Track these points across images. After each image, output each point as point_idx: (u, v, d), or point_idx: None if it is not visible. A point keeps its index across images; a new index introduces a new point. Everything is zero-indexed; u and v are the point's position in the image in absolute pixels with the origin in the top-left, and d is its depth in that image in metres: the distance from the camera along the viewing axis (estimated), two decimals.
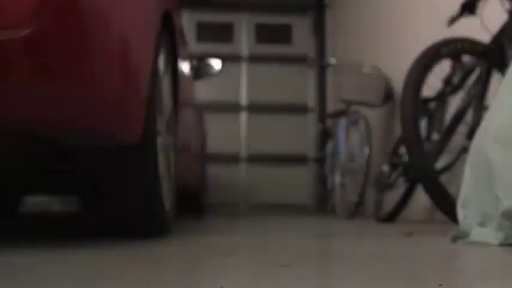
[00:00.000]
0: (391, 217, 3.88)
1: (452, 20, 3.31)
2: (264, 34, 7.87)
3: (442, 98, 3.53)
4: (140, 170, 2.11)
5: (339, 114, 5.22)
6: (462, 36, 3.27)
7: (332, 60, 5.29)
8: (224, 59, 7.99)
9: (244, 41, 8.00)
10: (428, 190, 3.11)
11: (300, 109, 6.79)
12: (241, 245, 2.31)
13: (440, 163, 3.42)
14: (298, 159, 6.53)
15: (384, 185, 4.07)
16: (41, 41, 1.67)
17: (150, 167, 2.13)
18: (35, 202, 5.12)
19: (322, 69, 6.08)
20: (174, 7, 2.74)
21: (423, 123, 3.46)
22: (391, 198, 3.97)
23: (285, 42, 7.62)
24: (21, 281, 1.28)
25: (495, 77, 3.30)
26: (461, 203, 2.32)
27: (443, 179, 3.28)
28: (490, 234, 2.14)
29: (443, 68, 3.44)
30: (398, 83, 4.69)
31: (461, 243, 2.21)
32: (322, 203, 6.33)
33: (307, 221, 4.32)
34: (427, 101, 3.53)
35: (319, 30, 6.75)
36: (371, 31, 5.44)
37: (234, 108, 7.92)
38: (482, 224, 2.20)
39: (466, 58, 3.42)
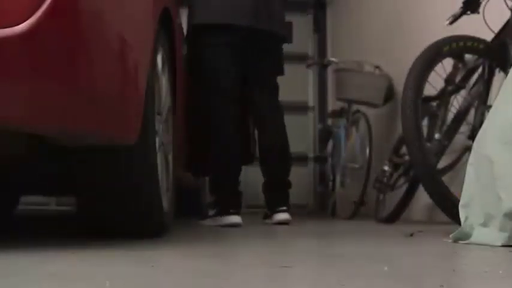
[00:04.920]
0: (392, 217, 3.86)
1: (454, 19, 3.28)
2: None
3: (444, 97, 3.51)
4: (138, 170, 2.09)
5: (339, 113, 5.20)
6: (464, 34, 3.25)
7: (333, 59, 5.26)
8: None
9: None
10: (429, 190, 3.08)
11: (300, 108, 6.77)
12: (242, 245, 2.30)
13: (442, 163, 3.40)
14: (298, 159, 6.51)
15: (384, 185, 4.05)
16: (39, 40, 1.65)
17: (148, 167, 2.11)
18: (32, 202, 5.11)
19: (322, 68, 6.05)
20: (173, 4, 2.72)
21: (425, 123, 3.44)
22: (392, 199, 3.96)
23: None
24: (19, 281, 1.26)
25: (498, 75, 3.27)
26: (463, 203, 2.30)
27: (445, 179, 3.26)
28: (492, 235, 2.11)
29: (445, 66, 3.42)
30: (400, 81, 4.68)
31: (463, 244, 2.19)
32: (322, 203, 6.32)
33: (307, 221, 4.31)
34: (428, 100, 3.50)
35: (320, 28, 6.73)
36: (372, 29, 5.43)
37: None
38: (484, 225, 2.18)
39: (469, 56, 3.39)
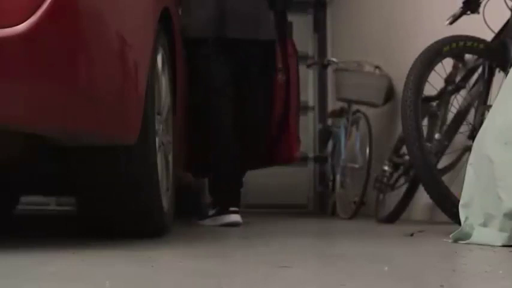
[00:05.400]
0: (392, 217, 3.85)
1: (454, 19, 3.28)
2: None
3: (444, 97, 3.51)
4: (138, 170, 2.09)
5: (339, 113, 5.20)
6: (464, 34, 3.24)
7: (333, 59, 5.25)
8: None
9: None
10: (429, 190, 3.08)
11: (300, 108, 6.78)
12: (242, 245, 2.30)
13: (442, 163, 3.39)
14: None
15: (384, 185, 4.05)
16: (39, 40, 1.65)
17: (148, 167, 2.11)
18: (32, 202, 5.10)
19: (323, 68, 6.04)
20: (173, 4, 2.72)
21: (425, 123, 3.44)
22: (392, 199, 3.96)
23: None
24: (19, 281, 1.26)
25: (498, 76, 3.27)
26: (463, 204, 2.29)
27: (445, 179, 3.25)
28: (492, 235, 2.11)
29: (445, 66, 3.42)
30: (400, 82, 4.68)
31: (463, 244, 2.18)
32: (322, 203, 6.31)
33: (307, 221, 4.31)
34: (428, 100, 3.50)
35: (319, 28, 6.73)
36: (372, 29, 5.42)
37: None
38: (484, 225, 2.17)
39: (469, 56, 3.39)
